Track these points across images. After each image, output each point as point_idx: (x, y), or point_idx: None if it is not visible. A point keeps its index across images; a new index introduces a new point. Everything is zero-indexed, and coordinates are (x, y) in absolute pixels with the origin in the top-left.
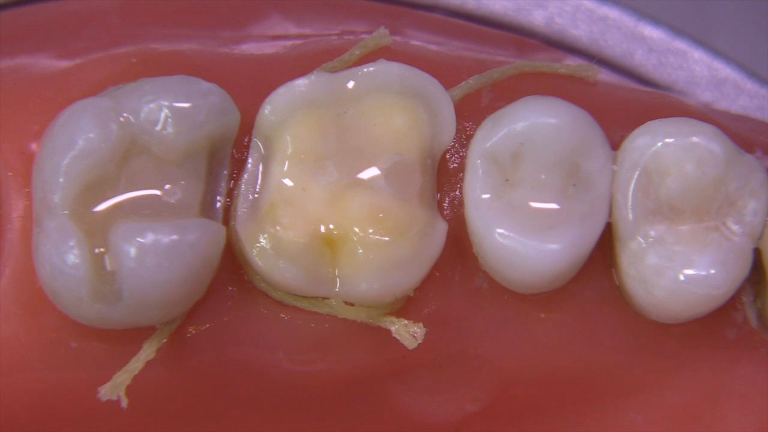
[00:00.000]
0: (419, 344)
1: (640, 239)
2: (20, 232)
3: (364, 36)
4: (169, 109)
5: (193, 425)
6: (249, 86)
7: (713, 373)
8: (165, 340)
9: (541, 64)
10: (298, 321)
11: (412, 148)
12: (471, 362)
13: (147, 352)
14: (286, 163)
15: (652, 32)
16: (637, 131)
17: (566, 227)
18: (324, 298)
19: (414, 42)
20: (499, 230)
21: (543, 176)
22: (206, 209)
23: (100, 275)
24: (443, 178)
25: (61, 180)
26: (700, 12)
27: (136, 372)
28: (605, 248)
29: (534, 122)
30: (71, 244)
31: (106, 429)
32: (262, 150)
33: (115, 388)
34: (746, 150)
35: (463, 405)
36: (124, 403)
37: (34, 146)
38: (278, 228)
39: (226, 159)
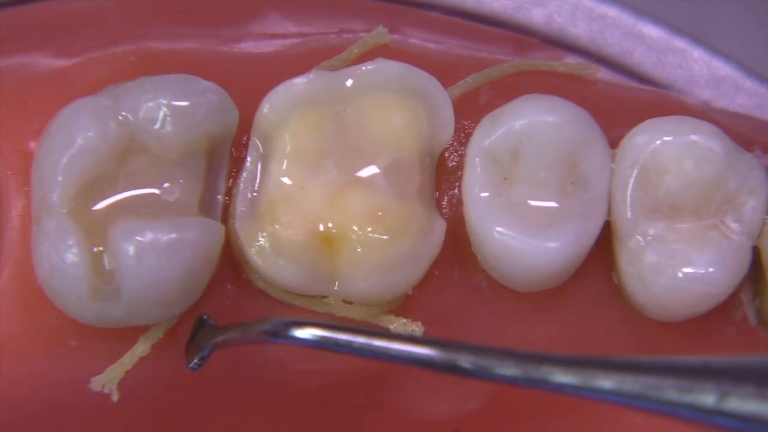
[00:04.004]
0: None
1: (638, 237)
2: (19, 230)
3: (362, 34)
4: (167, 108)
5: (191, 423)
6: (248, 85)
7: None
8: (161, 336)
9: (540, 62)
10: None
11: (410, 146)
12: None
13: (142, 347)
14: (285, 161)
15: (651, 31)
16: (635, 129)
17: (565, 225)
18: (323, 297)
19: (413, 40)
20: (497, 228)
21: (542, 174)
22: (205, 208)
23: (98, 274)
24: (442, 176)
25: (59, 178)
26: (700, 11)
27: (129, 366)
28: (604, 246)
29: (533, 120)
30: (70, 242)
31: (104, 426)
32: (261, 148)
33: (108, 382)
34: (745, 148)
35: (462, 403)
36: (115, 397)
37: (33, 145)
38: (277, 226)
39: (224, 157)
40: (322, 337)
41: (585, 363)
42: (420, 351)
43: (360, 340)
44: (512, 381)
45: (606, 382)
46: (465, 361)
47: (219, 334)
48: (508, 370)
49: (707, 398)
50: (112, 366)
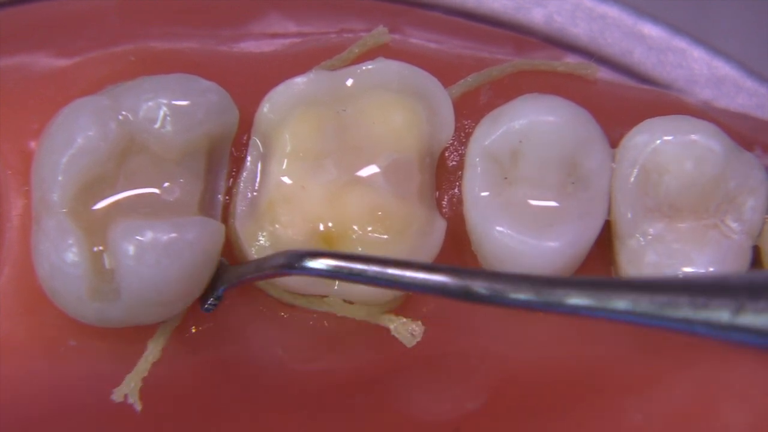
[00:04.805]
0: (418, 342)
1: (638, 237)
2: (19, 230)
3: (362, 34)
4: (167, 108)
5: (192, 423)
6: (248, 84)
7: (712, 370)
8: (168, 337)
9: (540, 62)
10: (297, 319)
11: (410, 146)
12: (470, 360)
13: (153, 352)
14: (285, 161)
15: (651, 30)
16: (635, 129)
17: (565, 225)
18: (323, 296)
19: (413, 40)
20: (498, 228)
21: (542, 174)
22: (205, 207)
23: (98, 273)
24: (442, 176)
25: (59, 178)
26: (700, 11)
27: (145, 374)
28: (604, 246)
29: (533, 120)
30: (70, 242)
31: (104, 426)
32: (261, 148)
33: (131, 392)
34: (745, 148)
35: (462, 403)
36: (138, 407)
37: (33, 145)
38: (277, 226)
39: (225, 157)
40: (336, 267)
41: (599, 284)
42: (434, 278)
43: (374, 268)
44: (527, 305)
45: (621, 302)
46: (479, 286)
47: (233, 272)
48: (523, 294)
49: (722, 314)
50: (130, 375)
